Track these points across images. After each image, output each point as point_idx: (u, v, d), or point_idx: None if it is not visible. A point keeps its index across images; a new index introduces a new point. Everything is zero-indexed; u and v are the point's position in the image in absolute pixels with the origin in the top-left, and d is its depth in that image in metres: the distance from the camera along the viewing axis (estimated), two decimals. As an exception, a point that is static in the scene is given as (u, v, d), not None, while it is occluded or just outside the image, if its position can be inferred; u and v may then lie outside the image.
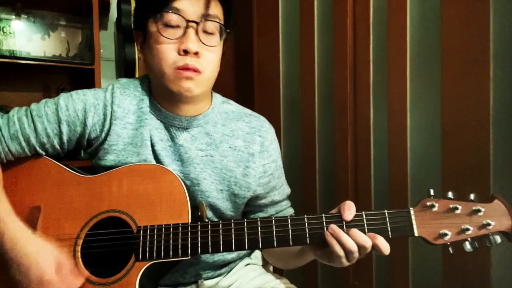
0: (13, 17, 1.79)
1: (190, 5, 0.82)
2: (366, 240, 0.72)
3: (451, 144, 1.15)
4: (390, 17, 1.30)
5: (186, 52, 0.82)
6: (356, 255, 0.73)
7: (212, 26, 0.85)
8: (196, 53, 0.83)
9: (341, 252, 0.73)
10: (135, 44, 0.92)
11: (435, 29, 1.19)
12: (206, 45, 0.84)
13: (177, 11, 0.82)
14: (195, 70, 0.83)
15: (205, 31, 0.85)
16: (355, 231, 0.73)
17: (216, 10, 0.86)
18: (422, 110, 1.24)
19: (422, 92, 1.24)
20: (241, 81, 2.01)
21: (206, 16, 0.84)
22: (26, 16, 1.81)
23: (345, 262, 0.74)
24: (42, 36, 1.86)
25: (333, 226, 0.74)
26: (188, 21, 0.82)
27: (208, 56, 0.85)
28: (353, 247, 0.72)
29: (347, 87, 1.44)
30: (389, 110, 1.31)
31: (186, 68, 0.82)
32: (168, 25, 0.83)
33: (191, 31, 0.83)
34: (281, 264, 1.04)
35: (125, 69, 1.94)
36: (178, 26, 0.83)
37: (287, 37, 1.73)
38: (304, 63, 1.62)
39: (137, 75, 1.96)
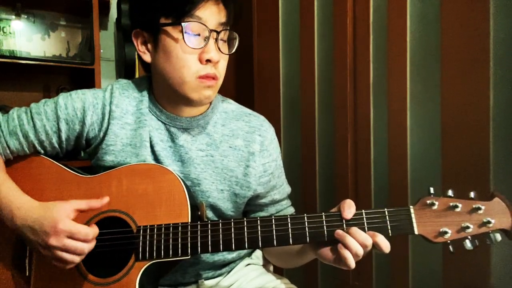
0: (13, 17, 1.79)
1: (211, 14, 0.83)
2: (366, 238, 0.72)
3: (451, 144, 1.15)
4: (390, 17, 1.30)
5: (208, 61, 0.83)
6: (360, 257, 0.72)
7: (228, 34, 0.88)
8: (216, 62, 0.85)
9: (347, 254, 0.72)
10: (135, 43, 0.90)
11: (435, 29, 1.19)
12: (224, 53, 0.86)
13: (199, 20, 0.82)
14: (214, 78, 0.85)
15: (221, 39, 0.86)
16: (355, 230, 0.73)
17: (230, 18, 0.87)
18: (422, 110, 1.24)
19: (422, 92, 1.24)
20: (241, 81, 2.01)
21: (224, 25, 0.86)
22: (26, 16, 1.81)
23: (350, 264, 0.73)
24: (42, 36, 1.86)
25: (339, 231, 0.74)
26: (210, 30, 0.83)
27: (223, 63, 0.88)
28: (359, 249, 0.71)
29: (347, 87, 1.44)
30: (389, 110, 1.31)
31: (207, 77, 0.84)
32: (189, 33, 0.82)
33: (212, 41, 0.84)
34: (282, 263, 1.04)
35: (125, 69, 1.94)
36: (198, 35, 0.83)
37: (287, 37, 1.73)
38: (304, 63, 1.62)
39: (137, 75, 1.96)
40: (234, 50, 0.89)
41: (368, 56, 1.38)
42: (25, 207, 0.79)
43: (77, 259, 0.75)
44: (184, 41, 0.82)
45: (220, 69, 0.87)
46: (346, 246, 0.72)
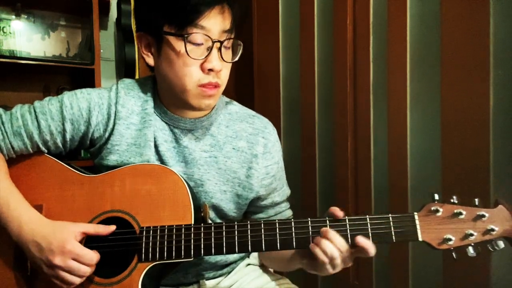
0: (13, 17, 1.79)
1: (215, 23, 0.81)
2: (341, 243, 0.73)
3: (451, 144, 1.15)
4: (390, 17, 1.30)
5: (210, 70, 0.83)
6: (338, 261, 0.73)
7: (231, 42, 0.86)
8: (219, 71, 0.84)
9: (324, 258, 0.73)
10: (137, 44, 0.90)
11: (435, 29, 1.19)
12: (227, 62, 0.86)
13: (203, 30, 0.81)
14: (216, 86, 0.85)
15: (224, 47, 0.85)
16: (332, 233, 0.74)
17: (233, 26, 0.86)
18: (422, 110, 1.24)
19: (422, 92, 1.24)
20: (241, 81, 2.01)
21: (228, 32, 0.84)
22: (26, 16, 1.81)
23: (330, 269, 0.75)
24: (42, 36, 1.86)
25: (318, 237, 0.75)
26: (214, 41, 0.82)
27: (225, 71, 0.87)
28: (334, 252, 0.73)
29: (347, 87, 1.45)
30: (389, 110, 1.31)
31: (209, 85, 0.84)
32: (192, 43, 0.81)
33: (215, 50, 0.83)
34: (275, 266, 1.06)
35: (125, 69, 1.94)
36: (202, 44, 0.82)
37: (287, 37, 1.74)
38: (304, 63, 1.63)
39: (137, 75, 1.96)
40: (237, 58, 0.88)
41: (368, 56, 1.38)
42: (34, 222, 0.79)
43: (77, 281, 0.76)
44: (187, 52, 0.81)
45: (223, 77, 0.86)
46: (320, 246, 0.73)
